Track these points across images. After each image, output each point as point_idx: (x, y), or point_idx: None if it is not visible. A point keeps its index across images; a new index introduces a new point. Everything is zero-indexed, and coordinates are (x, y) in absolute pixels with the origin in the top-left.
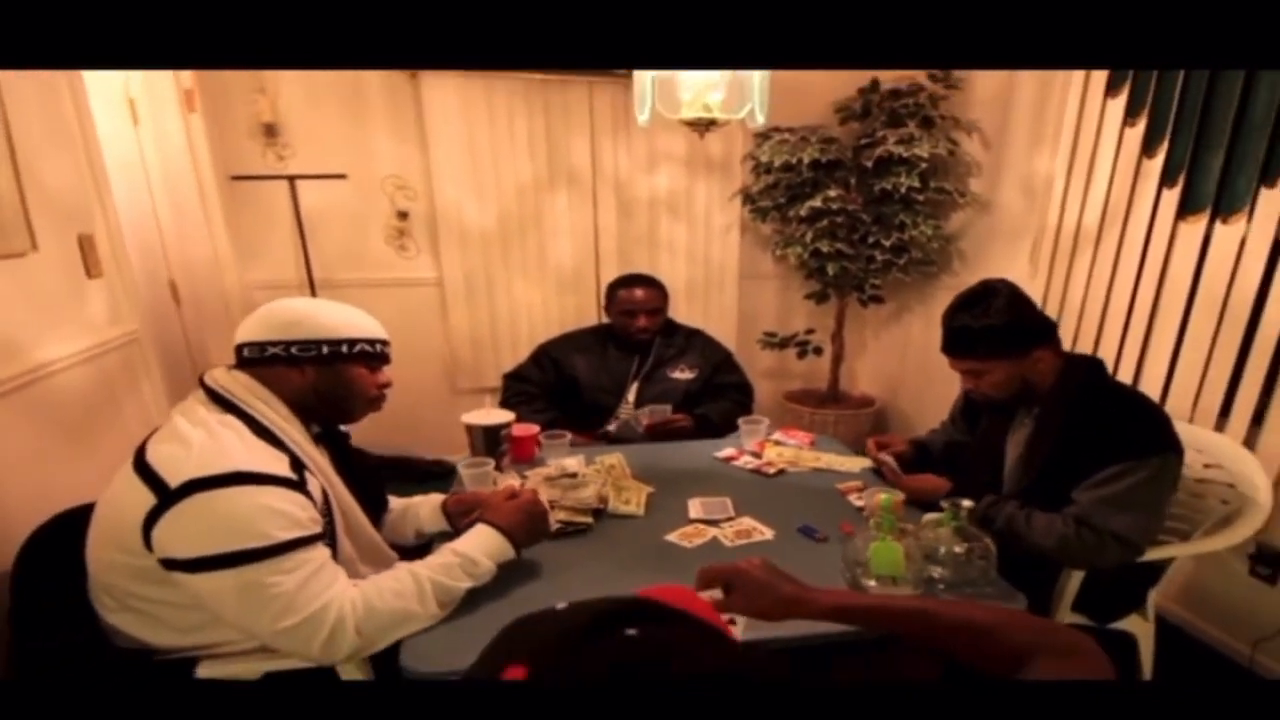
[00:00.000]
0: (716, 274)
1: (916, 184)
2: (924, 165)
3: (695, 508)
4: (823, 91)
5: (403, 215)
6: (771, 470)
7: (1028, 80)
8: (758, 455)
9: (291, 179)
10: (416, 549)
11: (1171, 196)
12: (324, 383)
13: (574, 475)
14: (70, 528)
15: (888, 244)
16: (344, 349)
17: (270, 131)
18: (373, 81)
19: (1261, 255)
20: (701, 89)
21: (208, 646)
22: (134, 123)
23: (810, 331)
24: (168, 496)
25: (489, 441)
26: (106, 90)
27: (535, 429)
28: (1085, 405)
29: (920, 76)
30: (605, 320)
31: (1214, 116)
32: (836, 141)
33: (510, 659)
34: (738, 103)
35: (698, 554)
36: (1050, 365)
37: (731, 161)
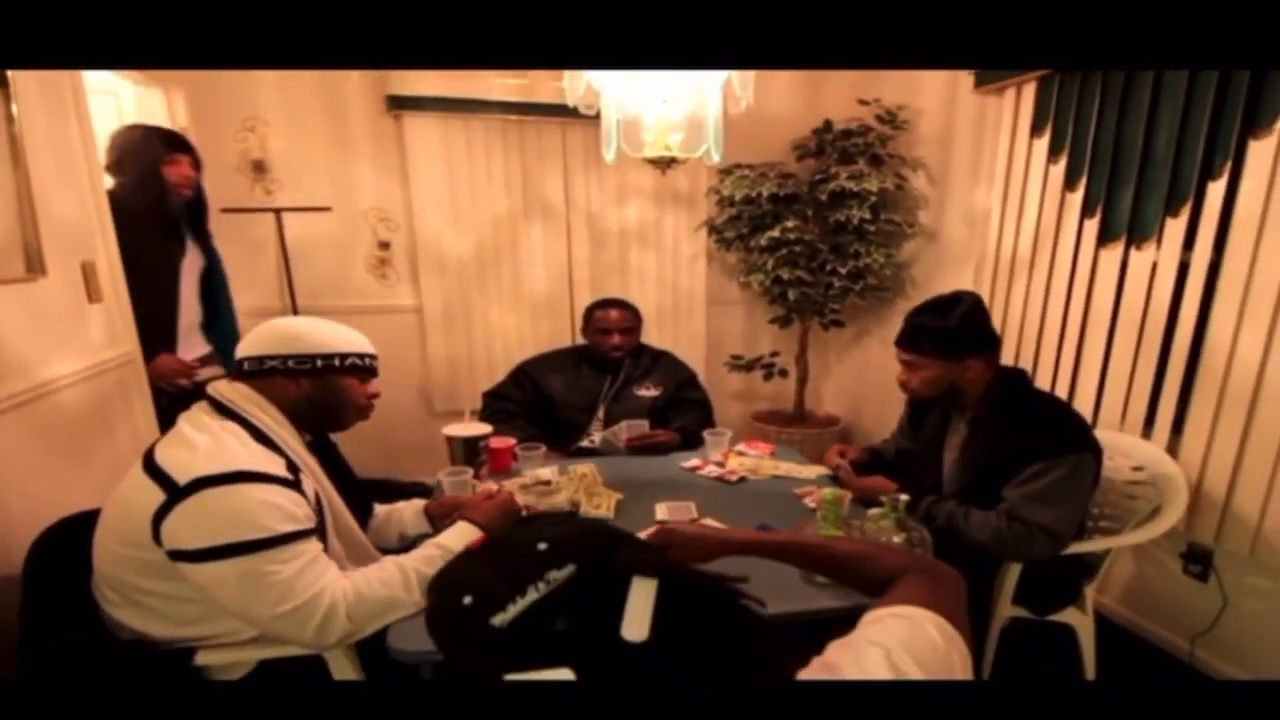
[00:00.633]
0: (685, 300)
1: (868, 215)
2: (873, 199)
3: (661, 511)
4: (781, 131)
5: (384, 245)
6: (733, 478)
7: (965, 122)
8: (721, 464)
9: (278, 211)
10: (400, 551)
11: (1092, 226)
12: (317, 393)
13: (548, 483)
14: (71, 533)
15: (844, 271)
16: (336, 362)
17: (259, 167)
18: (358, 119)
19: (1170, 279)
20: (662, 130)
21: (204, 638)
22: None
23: (775, 354)
24: (176, 493)
25: (468, 452)
26: (101, 127)
27: (512, 442)
28: (1010, 411)
29: (869, 118)
30: (581, 342)
31: (1123, 155)
32: (794, 177)
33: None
34: (696, 142)
35: None
36: (979, 374)
37: (697, 195)
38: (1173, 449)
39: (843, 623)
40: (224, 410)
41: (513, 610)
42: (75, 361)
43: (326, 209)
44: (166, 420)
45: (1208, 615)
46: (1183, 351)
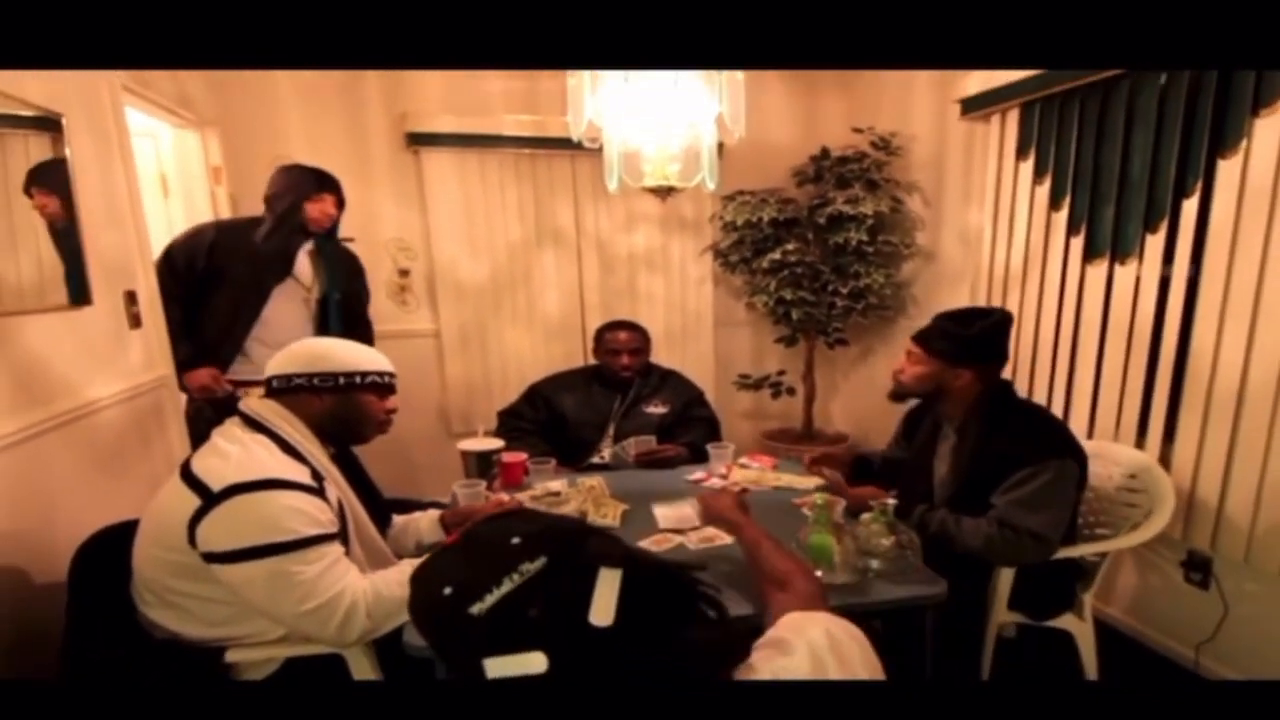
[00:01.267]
0: (693, 322)
1: (865, 237)
2: (870, 221)
3: (658, 510)
4: (781, 159)
5: (404, 273)
6: (736, 489)
7: (955, 147)
8: (724, 476)
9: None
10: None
11: (1077, 244)
12: (339, 408)
13: (557, 494)
14: (111, 541)
15: (845, 291)
16: (357, 380)
17: None
18: (379, 155)
19: (1153, 292)
20: (661, 161)
21: (234, 638)
22: (165, 196)
23: (781, 373)
24: (211, 499)
25: (481, 466)
26: (140, 168)
27: (523, 456)
28: (995, 420)
29: (863, 145)
30: (592, 362)
31: (1102, 176)
32: (793, 202)
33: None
34: (692, 172)
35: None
36: (967, 384)
37: (701, 221)
38: (1165, 457)
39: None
40: (254, 424)
41: (489, 600)
42: (116, 384)
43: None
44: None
45: (1210, 623)
46: (1169, 362)
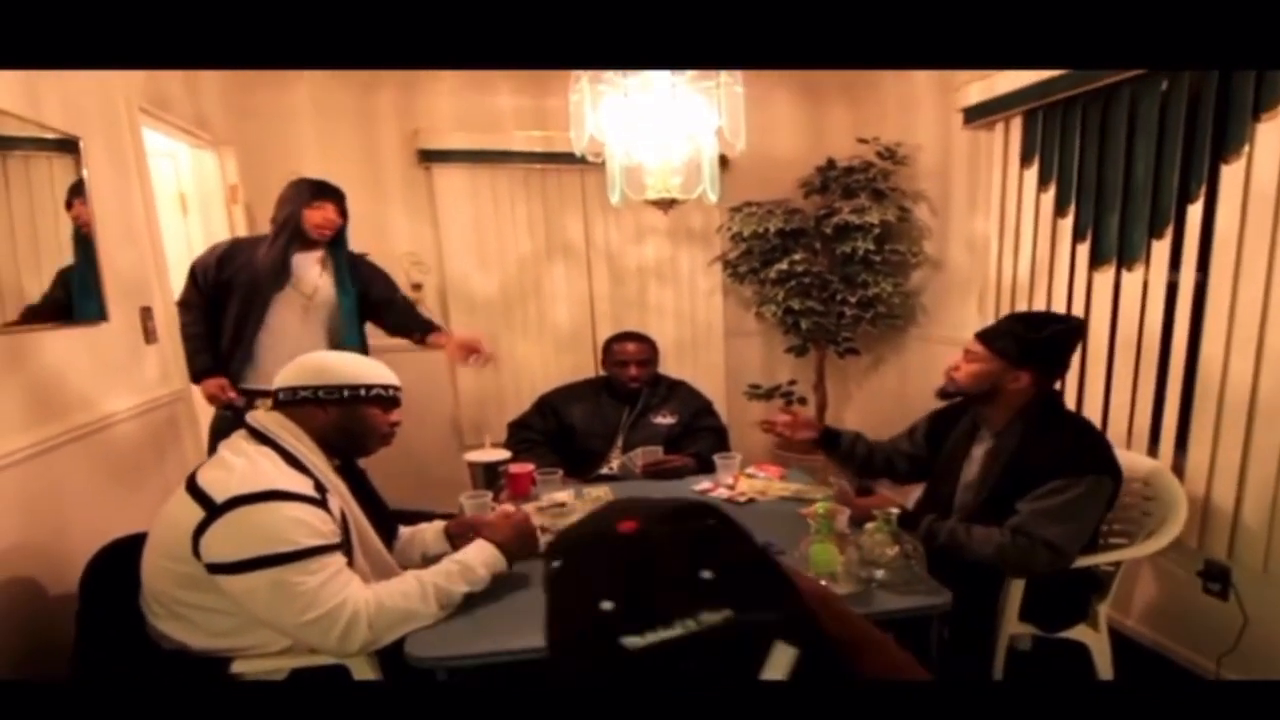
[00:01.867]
0: (704, 333)
1: (872, 247)
2: (876, 230)
3: None
4: (787, 170)
5: (417, 287)
6: (743, 499)
7: (960, 156)
8: (731, 486)
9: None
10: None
11: (1084, 250)
12: (344, 420)
13: (563, 504)
14: (123, 553)
15: (854, 300)
16: (361, 392)
17: None
18: (391, 172)
19: (1160, 298)
20: (663, 174)
21: (239, 649)
22: (183, 214)
23: (793, 383)
24: (215, 510)
25: (488, 477)
26: (160, 187)
27: (530, 467)
28: (1039, 428)
29: (869, 154)
30: (601, 373)
31: (1106, 182)
32: (800, 212)
33: (623, 518)
34: (695, 184)
35: None
36: (1023, 388)
37: (709, 232)
38: (1178, 466)
39: None
40: (260, 437)
41: (649, 639)
42: (132, 398)
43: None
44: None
45: (1231, 633)
46: (1179, 368)
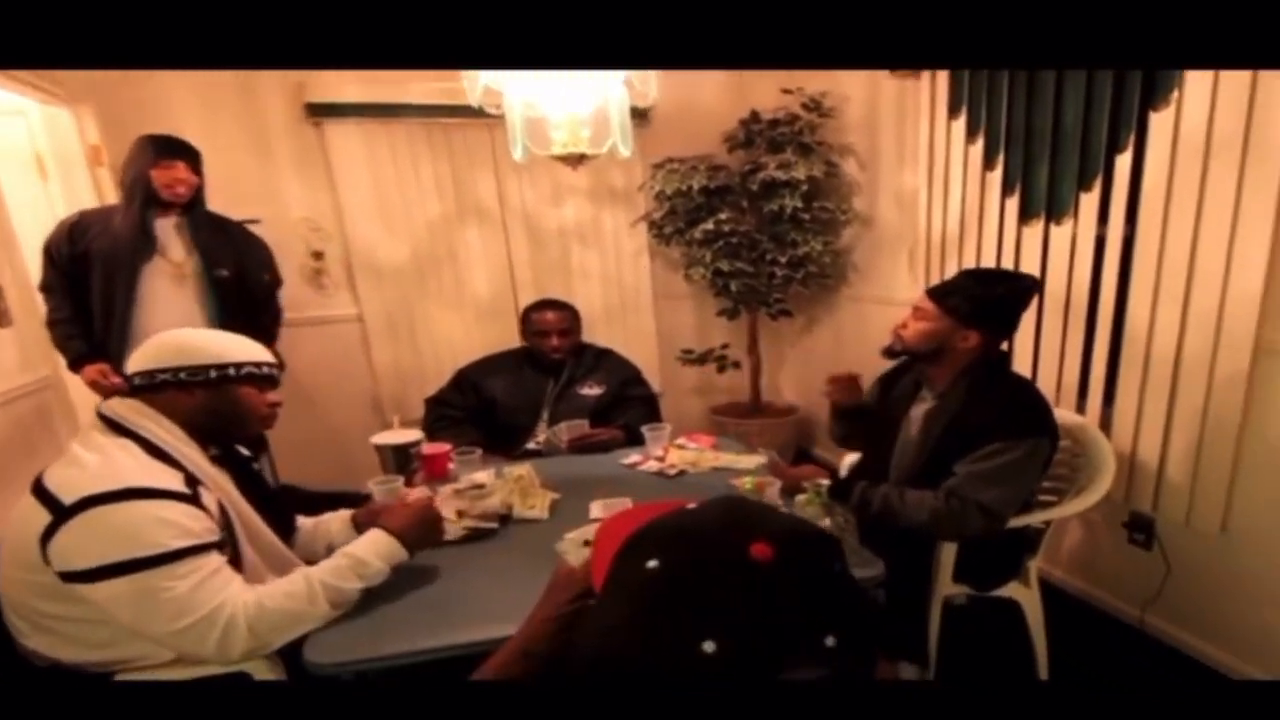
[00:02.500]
0: (631, 297)
1: (800, 204)
2: (804, 187)
3: (596, 509)
4: (710, 124)
5: (318, 255)
6: (673, 472)
7: (887, 107)
8: (661, 459)
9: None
10: None
11: (1013, 204)
12: (213, 404)
13: (481, 486)
14: None
15: (784, 260)
16: (231, 372)
17: None
18: (277, 129)
19: (1089, 253)
20: (571, 126)
21: (120, 662)
22: (43, 178)
23: (725, 346)
24: (62, 513)
25: (399, 460)
26: (12, 148)
27: (446, 447)
28: (982, 389)
29: (795, 106)
30: (523, 344)
31: (1035, 133)
32: (725, 169)
33: (754, 536)
34: (605, 137)
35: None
36: (971, 348)
37: (631, 191)
38: (1105, 420)
39: None
40: (117, 427)
41: (754, 669)
42: None
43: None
44: None
45: (1154, 582)
46: (1107, 323)
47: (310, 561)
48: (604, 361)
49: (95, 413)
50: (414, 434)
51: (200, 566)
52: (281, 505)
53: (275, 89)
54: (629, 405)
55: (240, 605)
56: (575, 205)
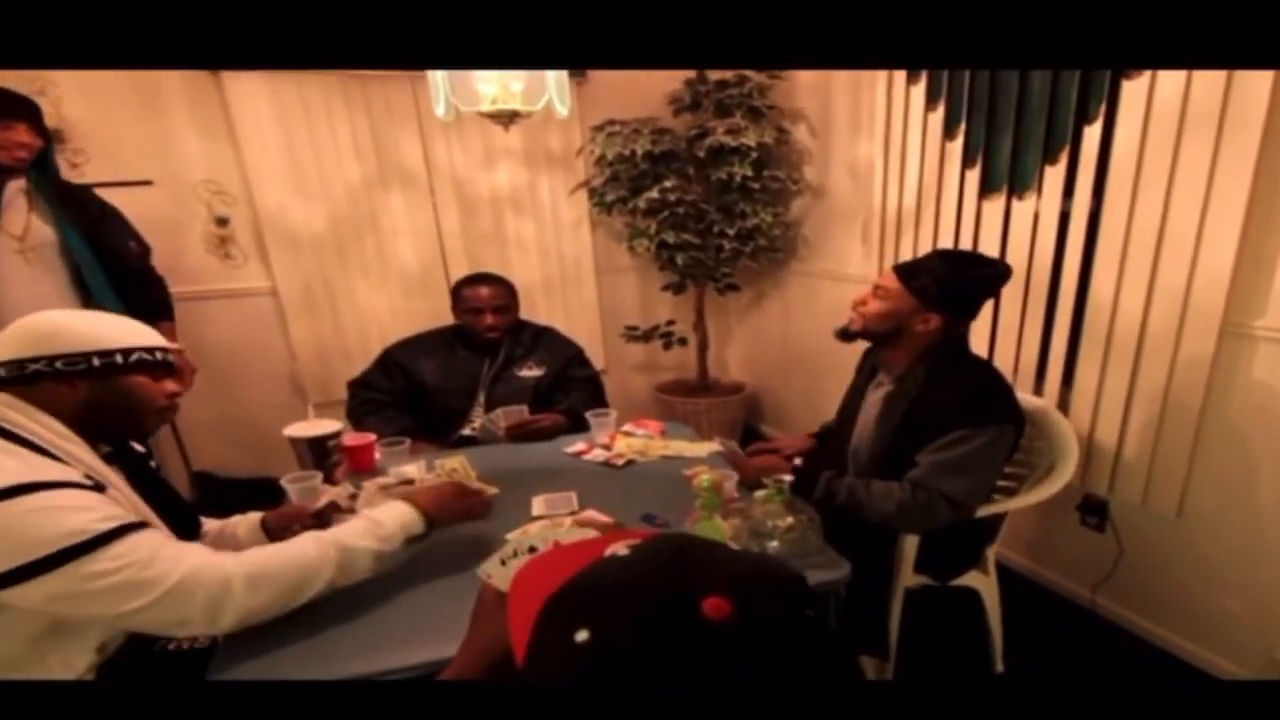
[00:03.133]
0: (572, 269)
1: (750, 172)
2: (754, 154)
3: (538, 504)
4: (654, 85)
5: (222, 222)
6: (620, 461)
7: (841, 72)
8: (608, 447)
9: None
10: None
11: (973, 177)
12: (100, 397)
13: (411, 482)
14: None
15: (733, 232)
16: (118, 359)
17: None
18: (169, 81)
19: (1052, 229)
20: (500, 81)
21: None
22: None
23: (671, 322)
24: None
25: (316, 454)
26: None
27: (371, 438)
28: (941, 374)
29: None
30: (455, 322)
31: (1000, 101)
32: (670, 133)
33: (707, 585)
34: (539, 94)
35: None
36: (930, 331)
37: (570, 155)
38: (1064, 402)
39: None
40: None
41: None
42: None
43: (147, 183)
44: None
45: (1106, 564)
46: (1069, 302)
47: None
48: (543, 340)
49: None
50: (333, 424)
51: (140, 544)
52: (185, 509)
53: None
54: (571, 387)
55: (226, 561)
56: (509, 170)
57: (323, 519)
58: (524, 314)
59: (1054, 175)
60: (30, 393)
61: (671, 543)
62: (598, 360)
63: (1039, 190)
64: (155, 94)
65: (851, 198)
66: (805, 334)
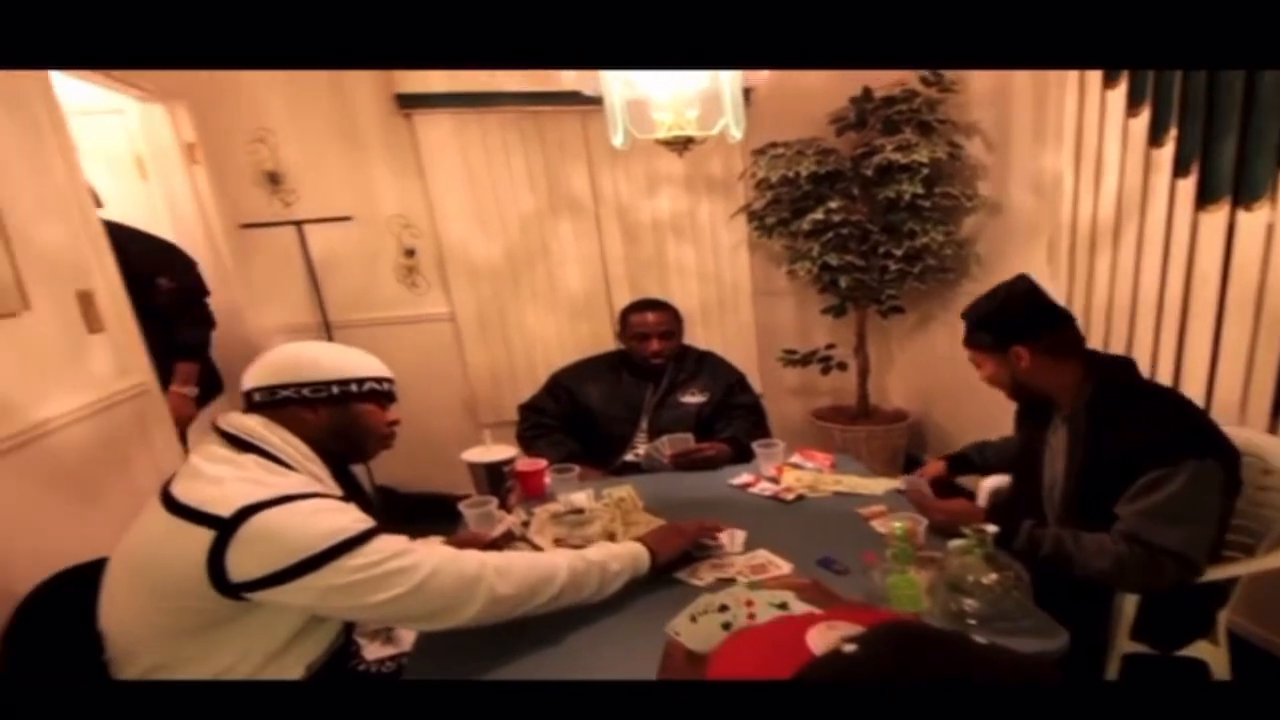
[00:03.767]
0: (730, 293)
1: (920, 190)
2: (925, 171)
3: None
4: (816, 104)
5: (410, 253)
6: (790, 496)
7: (1022, 77)
8: (775, 480)
9: (299, 224)
10: None
11: (1187, 186)
12: (338, 422)
13: (580, 511)
14: (76, 584)
15: (899, 253)
16: (354, 388)
17: (274, 179)
18: (368, 122)
19: None
20: (677, 107)
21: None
22: (143, 178)
23: (831, 346)
24: (225, 526)
25: (492, 479)
26: (111, 148)
27: (543, 463)
28: (1111, 407)
29: (912, 80)
30: (619, 346)
31: (1220, 100)
32: (834, 153)
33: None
34: (713, 119)
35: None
36: (1033, 365)
37: (731, 179)
38: None
39: None
40: (239, 444)
41: None
42: (76, 397)
43: (347, 218)
44: None
45: None
46: None
47: None
48: (706, 366)
49: (213, 428)
50: (507, 450)
51: (393, 540)
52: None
53: (365, 81)
54: (734, 414)
55: (476, 555)
56: (670, 196)
57: (498, 548)
58: (684, 339)
59: None
60: (279, 415)
61: (899, 635)
62: (755, 385)
63: (1273, 199)
64: (356, 136)
65: (1034, 213)
66: None
